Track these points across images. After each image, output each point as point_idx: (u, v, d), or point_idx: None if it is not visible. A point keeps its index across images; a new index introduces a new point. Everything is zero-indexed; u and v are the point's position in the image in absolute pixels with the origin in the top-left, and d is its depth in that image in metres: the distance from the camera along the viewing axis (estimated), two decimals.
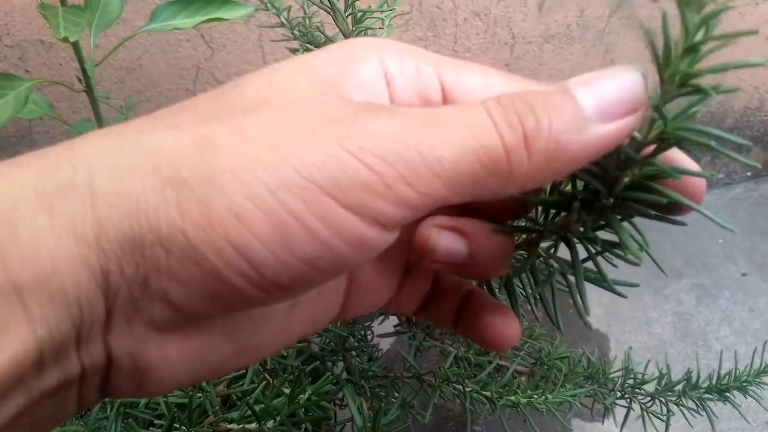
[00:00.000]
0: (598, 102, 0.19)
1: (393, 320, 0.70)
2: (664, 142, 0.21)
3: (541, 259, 0.27)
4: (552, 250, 0.26)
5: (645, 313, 1.06)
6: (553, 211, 0.26)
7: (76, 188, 0.18)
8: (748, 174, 1.27)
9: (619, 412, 0.68)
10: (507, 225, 0.24)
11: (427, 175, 0.19)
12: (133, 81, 0.90)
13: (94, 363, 0.19)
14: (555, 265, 0.26)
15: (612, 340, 1.02)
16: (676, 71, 0.19)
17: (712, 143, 0.20)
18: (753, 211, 1.23)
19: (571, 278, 0.25)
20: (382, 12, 0.42)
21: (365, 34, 0.44)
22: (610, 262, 0.28)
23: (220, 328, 0.21)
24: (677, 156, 0.22)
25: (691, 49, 0.19)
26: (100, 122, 0.65)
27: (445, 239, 0.23)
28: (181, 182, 0.18)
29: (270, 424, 0.39)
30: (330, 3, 0.43)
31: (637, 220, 0.24)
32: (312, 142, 0.18)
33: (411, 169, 0.19)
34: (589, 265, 0.26)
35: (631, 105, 0.20)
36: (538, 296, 0.27)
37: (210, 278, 0.18)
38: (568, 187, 0.24)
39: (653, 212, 0.23)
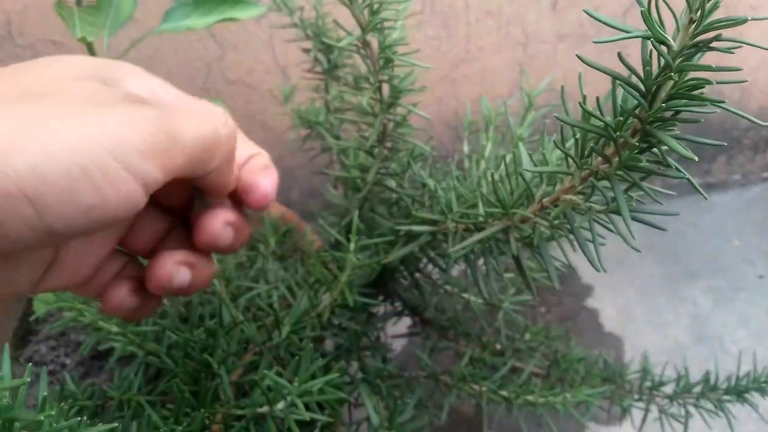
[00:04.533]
0: None
1: (406, 321, 0.69)
2: (699, 45, 0.24)
3: (572, 207, 0.31)
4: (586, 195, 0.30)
5: (660, 315, 1.05)
6: (588, 150, 0.29)
7: None
8: (765, 175, 1.26)
9: (636, 415, 0.67)
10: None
11: (175, 148, 0.26)
12: None
13: None
14: (593, 206, 0.29)
15: (627, 343, 1.01)
16: None
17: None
18: None
19: (612, 215, 0.29)
20: (399, 3, 0.42)
21: (381, 27, 0.43)
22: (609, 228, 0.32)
23: None
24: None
25: None
26: None
27: (182, 274, 0.31)
28: None
29: (281, 405, 0.38)
30: None
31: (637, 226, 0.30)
32: (103, 115, 0.24)
33: (171, 142, 0.26)
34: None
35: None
36: (574, 238, 0.30)
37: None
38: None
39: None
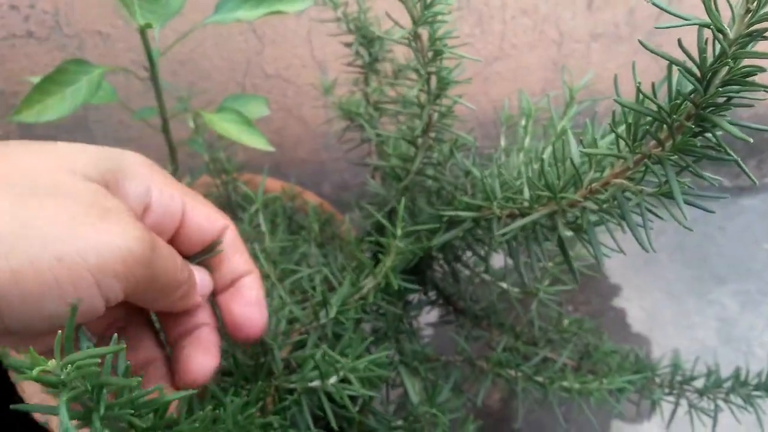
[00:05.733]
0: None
1: (437, 311, 0.71)
2: (753, 34, 0.25)
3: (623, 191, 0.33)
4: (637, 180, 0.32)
5: (687, 318, 1.05)
6: (640, 134, 0.31)
7: None
8: None
9: (664, 412, 0.68)
10: None
11: (146, 280, 0.28)
12: (186, 73, 0.93)
13: None
14: (645, 189, 0.32)
15: (654, 344, 1.01)
16: None
17: None
18: None
19: (663, 198, 0.32)
20: None
21: (432, 21, 0.45)
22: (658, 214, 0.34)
23: None
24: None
25: None
26: (163, 110, 0.67)
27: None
28: None
29: (332, 379, 0.40)
30: None
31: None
32: (99, 231, 0.26)
33: (145, 275, 0.28)
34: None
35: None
36: (623, 221, 0.33)
37: None
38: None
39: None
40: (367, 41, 0.71)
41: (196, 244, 0.36)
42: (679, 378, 0.67)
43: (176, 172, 0.71)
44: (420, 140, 0.54)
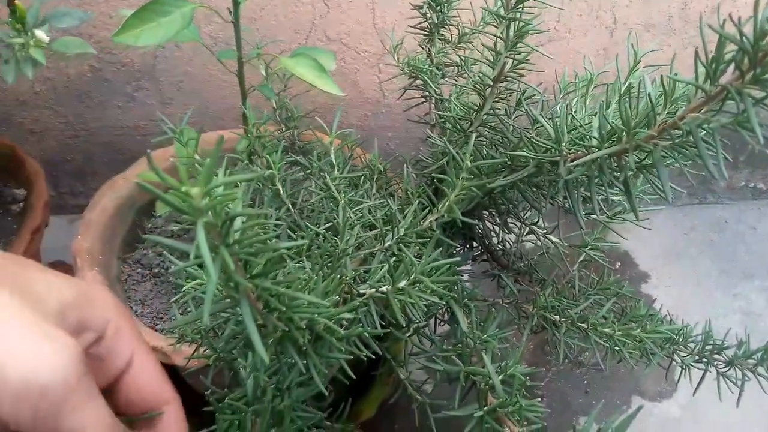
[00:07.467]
0: None
1: (482, 266, 0.74)
2: None
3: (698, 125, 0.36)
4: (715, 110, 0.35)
5: (713, 308, 1.07)
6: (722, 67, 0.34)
7: None
8: None
9: (688, 386, 0.70)
10: None
11: (47, 408, 0.27)
12: (253, 31, 0.97)
13: None
14: (722, 120, 0.34)
15: None
16: None
17: None
18: None
19: (738, 126, 0.34)
20: None
21: None
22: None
23: None
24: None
25: None
26: (239, 52, 0.71)
27: None
28: None
29: (403, 282, 0.43)
30: None
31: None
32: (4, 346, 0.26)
33: (43, 404, 0.26)
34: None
35: None
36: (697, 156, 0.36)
37: None
38: None
39: None
40: (435, 4, 0.75)
41: (134, 403, 0.35)
42: (709, 347, 0.70)
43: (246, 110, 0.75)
44: (489, 90, 0.58)
